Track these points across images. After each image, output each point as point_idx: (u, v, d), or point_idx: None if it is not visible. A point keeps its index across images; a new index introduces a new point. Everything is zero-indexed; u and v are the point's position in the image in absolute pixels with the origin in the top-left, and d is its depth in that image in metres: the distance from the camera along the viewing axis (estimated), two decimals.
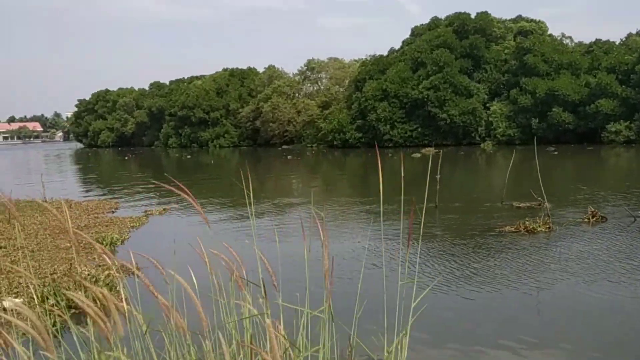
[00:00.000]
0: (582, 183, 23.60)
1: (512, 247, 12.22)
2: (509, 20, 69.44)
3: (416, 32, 71.58)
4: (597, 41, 63.77)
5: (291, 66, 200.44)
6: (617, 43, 63.36)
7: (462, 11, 68.72)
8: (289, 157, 56.25)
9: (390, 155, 54.57)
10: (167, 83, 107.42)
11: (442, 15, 76.94)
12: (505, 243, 12.65)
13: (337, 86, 79.67)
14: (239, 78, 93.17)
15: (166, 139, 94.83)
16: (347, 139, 68.32)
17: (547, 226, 14.01)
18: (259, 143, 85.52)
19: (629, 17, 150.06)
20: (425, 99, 63.20)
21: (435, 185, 18.18)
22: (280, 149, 75.53)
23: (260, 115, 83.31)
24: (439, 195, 18.09)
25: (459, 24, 66.78)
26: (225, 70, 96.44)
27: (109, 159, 73.21)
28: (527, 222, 14.03)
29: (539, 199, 17.86)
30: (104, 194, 25.43)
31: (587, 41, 66.15)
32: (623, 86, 54.01)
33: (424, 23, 72.43)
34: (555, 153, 46.47)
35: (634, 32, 65.18)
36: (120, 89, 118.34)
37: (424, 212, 10.40)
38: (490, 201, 19.49)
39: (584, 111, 55.77)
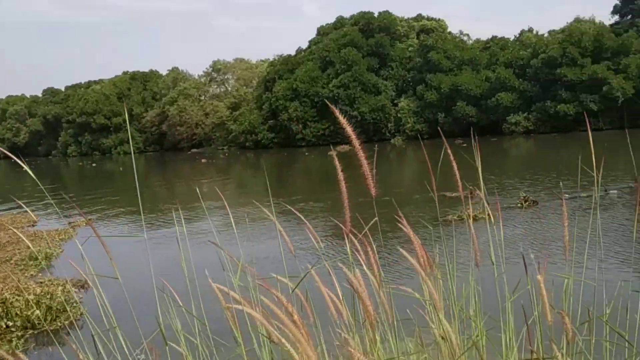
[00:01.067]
0: (491, 172, 24.64)
1: (466, 234, 12.31)
2: (411, 18, 71.55)
3: (322, 32, 72.12)
4: (494, 38, 67.14)
5: (196, 68, 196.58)
6: (511, 39, 66.98)
7: (366, 10, 70.03)
8: (202, 160, 54.78)
9: (306, 154, 54.59)
10: (63, 89, 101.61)
11: (337, 15, 77.82)
12: (460, 230, 12.73)
13: (246, 87, 78.76)
14: (141, 81, 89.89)
15: (65, 147, 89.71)
16: (259, 139, 67.69)
17: (487, 213, 14.27)
18: (166, 148, 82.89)
19: (521, 15, 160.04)
20: (335, 97, 63.76)
21: (379, 178, 18.11)
22: (189, 152, 73.56)
23: (166, 119, 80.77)
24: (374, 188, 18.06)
25: (364, 23, 68.00)
26: (126, 73, 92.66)
27: (2, 171, 68.08)
28: (469, 210, 14.21)
29: (471, 187, 18.29)
30: (13, 207, 23.39)
31: (484, 38, 69.44)
32: (520, 80, 57.12)
33: (329, 22, 73.16)
34: (464, 145, 48.30)
35: (526, 28, 69.21)
36: (9, 96, 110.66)
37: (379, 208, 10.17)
38: (420, 192, 19.73)
39: (485, 104, 58.46)
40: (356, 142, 2.18)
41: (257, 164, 50.89)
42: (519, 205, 15.55)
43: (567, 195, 16.70)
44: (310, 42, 73.35)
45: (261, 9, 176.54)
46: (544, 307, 2.42)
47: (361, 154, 2.14)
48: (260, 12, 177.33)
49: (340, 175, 2.41)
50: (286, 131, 66.64)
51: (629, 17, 59.38)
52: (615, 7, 62.07)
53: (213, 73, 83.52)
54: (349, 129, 2.19)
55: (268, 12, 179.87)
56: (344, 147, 55.37)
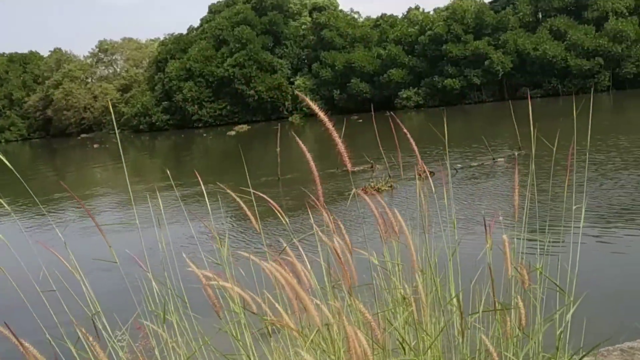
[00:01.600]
0: (388, 146, 25.79)
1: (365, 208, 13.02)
2: None
3: (214, 10, 70.82)
4: (383, 15, 69.10)
5: (81, 49, 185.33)
6: (400, 17, 69.28)
7: None
8: (94, 145, 52.49)
9: (204, 135, 53.86)
10: None
11: None
12: (362, 203, 13.42)
13: (136, 68, 75.91)
14: (20, 63, 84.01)
15: None
16: (153, 122, 65.82)
17: (389, 185, 15.16)
18: (52, 134, 78.40)
19: None
20: (231, 77, 63.19)
21: (276, 158, 18.52)
22: (79, 138, 70.09)
23: (51, 104, 76.26)
24: (279, 168, 18.50)
25: (257, 1, 67.52)
26: (2, 55, 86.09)
27: None
28: (372, 183, 15.02)
29: (371, 161, 19.20)
30: None
31: (374, 16, 71.29)
32: (409, 56, 59.43)
33: (221, 0, 71.85)
34: (360, 121, 49.73)
35: (413, 6, 71.81)
36: None
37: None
38: (325, 168, 20.40)
39: (378, 81, 60.36)
40: (323, 116, 2.38)
41: (153, 146, 49.59)
42: (418, 176, 16.55)
43: (459, 166, 18.00)
44: (202, 20, 71.82)
45: None
46: (507, 262, 2.80)
47: (331, 128, 2.36)
48: None
49: (308, 156, 2.67)
50: (182, 112, 65.26)
51: None
52: None
53: (100, 54, 79.72)
54: (314, 107, 2.38)
55: None
56: (242, 127, 55.35)
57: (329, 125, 2.30)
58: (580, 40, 52.70)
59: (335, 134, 2.33)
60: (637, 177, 14.04)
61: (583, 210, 2.94)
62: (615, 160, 16.42)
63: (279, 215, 3.08)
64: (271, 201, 2.99)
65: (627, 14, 53.80)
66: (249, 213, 3.10)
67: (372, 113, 17.39)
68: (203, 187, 3.24)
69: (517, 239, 3.02)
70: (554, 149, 3.31)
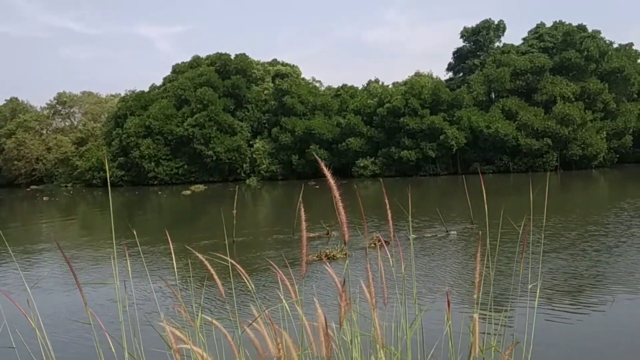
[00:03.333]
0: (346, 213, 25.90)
1: (319, 273, 12.91)
2: (267, 63, 73.56)
3: (178, 70, 71.50)
4: (344, 86, 71.12)
5: (39, 99, 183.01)
6: (360, 88, 71.46)
7: (222, 52, 70.76)
8: (44, 198, 50.94)
9: (159, 193, 53.09)
10: None
11: (193, 54, 77.30)
12: (313, 270, 13.31)
13: (94, 122, 75.17)
14: None
15: None
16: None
17: (344, 253, 15.12)
18: (0, 184, 75.90)
19: (368, 65, 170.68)
20: (190, 136, 63.20)
21: (232, 220, 18.33)
22: (28, 189, 68.02)
23: (1, 153, 74.26)
24: (234, 231, 18.28)
25: (221, 64, 68.63)
26: None
27: None
28: (327, 250, 14.96)
29: (327, 228, 19.21)
30: None
31: (335, 85, 73.26)
32: (368, 126, 60.89)
33: (185, 61, 72.78)
34: (317, 187, 50.08)
35: (373, 79, 74.33)
36: None
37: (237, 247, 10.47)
38: (280, 233, 20.27)
39: (337, 148, 61.36)
40: (330, 177, 2.37)
41: (105, 202, 48.47)
42: (372, 245, 16.61)
43: (414, 236, 18.16)
44: (165, 79, 72.29)
45: (111, 41, 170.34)
46: (475, 342, 2.74)
47: (334, 189, 2.35)
48: (110, 44, 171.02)
49: (303, 216, 2.64)
50: (138, 169, 64.49)
51: (461, 74, 66.32)
52: (449, 64, 69.02)
53: (58, 106, 78.80)
54: (323, 168, 2.38)
55: (118, 45, 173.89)
56: (199, 187, 54.90)
57: (336, 193, 2.33)
58: (530, 121, 55.21)
59: (340, 205, 2.35)
60: (582, 252, 14.45)
61: (538, 288, 2.99)
62: (564, 237, 16.90)
63: (242, 279, 3.01)
64: (240, 268, 2.93)
65: (573, 99, 56.90)
66: (218, 282, 3.03)
67: (331, 178, 17.50)
68: (172, 246, 3.16)
69: (474, 314, 3.01)
70: (500, 225, 3.38)
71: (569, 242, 16.23)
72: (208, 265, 2.96)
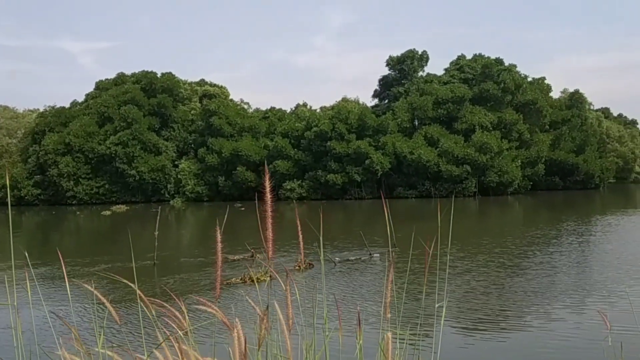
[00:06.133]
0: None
1: (240, 297, 12.82)
2: (195, 83, 72.85)
3: (101, 86, 69.50)
4: (272, 109, 71.43)
5: None
6: (288, 111, 72.00)
7: (149, 70, 69.50)
8: None
9: (77, 213, 51.00)
10: None
11: (118, 71, 75.45)
12: (235, 294, 13.21)
13: (9, 137, 71.49)
14: None
15: None
16: (22, 195, 61.54)
17: (269, 275, 15.09)
18: None
19: (297, 89, 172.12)
20: (113, 155, 61.33)
21: (154, 242, 17.91)
22: None
23: None
24: (155, 253, 17.87)
25: (147, 82, 67.31)
26: None
27: None
28: (251, 273, 14.87)
29: (252, 250, 19.12)
30: None
31: (263, 108, 73.46)
32: (295, 150, 61.32)
33: (109, 78, 70.88)
34: (243, 209, 49.74)
35: (301, 103, 75.13)
36: None
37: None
38: (203, 255, 19.97)
39: (264, 170, 61.20)
40: (269, 199, 2.36)
41: (19, 222, 46.02)
42: (297, 267, 16.67)
43: (338, 259, 18.40)
44: (87, 95, 70.02)
45: (31, 54, 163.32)
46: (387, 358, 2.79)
47: (269, 206, 2.35)
48: (30, 57, 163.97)
49: (218, 237, 2.66)
50: (55, 188, 61.81)
51: (386, 101, 68.21)
52: (375, 91, 70.87)
53: None
54: (267, 181, 2.33)
55: (38, 58, 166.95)
56: (120, 207, 53.20)
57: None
58: (451, 148, 57.38)
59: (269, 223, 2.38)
60: (497, 273, 15.13)
61: (444, 309, 3.15)
62: (478, 260, 17.61)
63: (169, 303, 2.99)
64: (141, 293, 2.92)
65: (490, 128, 59.72)
66: (112, 310, 3.00)
67: (249, 201, 17.50)
68: (64, 270, 3.10)
69: (387, 333, 3.13)
70: (410, 250, 3.55)
71: (481, 264, 16.96)
72: (99, 295, 2.94)
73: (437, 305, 3.23)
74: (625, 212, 37.44)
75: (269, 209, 2.39)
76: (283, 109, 72.43)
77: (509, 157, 59.16)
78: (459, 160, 57.31)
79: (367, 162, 57.65)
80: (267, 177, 2.33)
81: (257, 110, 73.54)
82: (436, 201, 53.64)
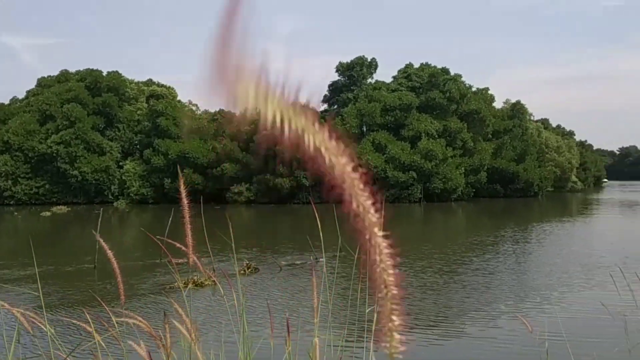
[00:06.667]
0: (217, 240, 25.85)
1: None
2: (142, 82, 71.44)
3: (44, 83, 67.27)
4: (221, 111, 70.79)
5: None
6: (237, 114, 71.38)
7: (94, 68, 67.75)
8: None
9: (14, 214, 49.20)
10: None
11: (61, 68, 73.03)
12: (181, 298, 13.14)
13: None
14: None
15: None
16: None
17: (212, 280, 15.05)
18: None
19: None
20: (54, 154, 59.47)
21: (94, 244, 17.53)
22: None
23: None
24: (96, 256, 17.52)
25: (91, 81, 65.57)
26: None
27: None
28: (195, 277, 14.79)
29: (198, 254, 18.98)
30: None
31: (212, 110, 72.70)
32: (244, 152, 61.01)
33: (52, 75, 68.69)
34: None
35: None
36: None
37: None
38: (147, 258, 19.69)
39: (211, 173, 60.76)
40: (185, 204, 2.39)
41: None
42: (242, 271, 16.69)
43: (284, 263, 18.52)
44: (28, 92, 67.63)
45: None
46: None
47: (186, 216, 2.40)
48: None
49: (101, 242, 2.72)
50: None
51: (335, 107, 68.76)
52: (324, 96, 71.35)
53: None
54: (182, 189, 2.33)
55: None
56: (61, 208, 51.64)
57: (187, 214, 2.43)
58: (398, 155, 58.41)
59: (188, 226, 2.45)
60: (434, 279, 15.58)
61: (375, 315, 3.30)
62: (416, 266, 18.07)
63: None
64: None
65: (436, 136, 61.12)
66: (24, 321, 3.04)
67: (196, 204, 17.40)
68: None
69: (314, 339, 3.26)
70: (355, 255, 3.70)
71: (419, 270, 17.41)
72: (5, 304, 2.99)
73: (367, 310, 3.39)
74: (561, 220, 39.06)
75: (186, 214, 2.49)
76: (232, 111, 71.69)
77: (453, 165, 60.68)
78: (405, 167, 58.38)
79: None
80: (181, 181, 2.40)
81: (205, 112, 72.73)
82: (384, 206, 54.42)
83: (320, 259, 19.47)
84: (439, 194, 59.71)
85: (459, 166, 61.46)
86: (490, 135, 68.97)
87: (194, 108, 73.24)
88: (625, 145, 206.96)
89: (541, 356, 5.66)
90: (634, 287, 6.37)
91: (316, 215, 3.30)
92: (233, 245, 3.66)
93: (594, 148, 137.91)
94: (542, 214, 49.45)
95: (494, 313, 12.29)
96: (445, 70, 67.32)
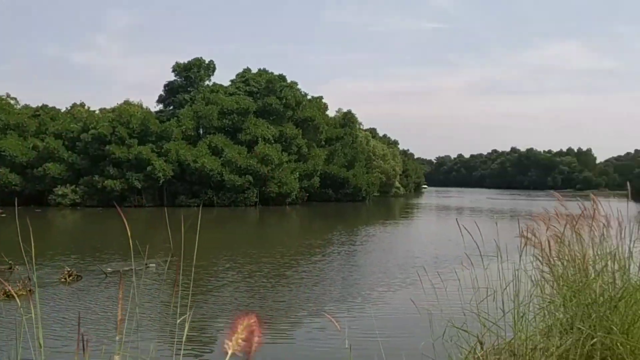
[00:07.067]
0: (39, 245, 24.08)
1: None
2: None
3: None
4: (44, 106, 65.52)
5: None
6: (63, 111, 66.67)
7: None
8: None
9: None
10: None
11: None
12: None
13: None
14: None
15: None
16: None
17: (29, 289, 14.07)
18: None
19: (75, 89, 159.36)
20: None
21: None
22: None
23: None
24: None
25: None
26: None
27: None
28: (7, 287, 13.72)
29: (10, 262, 17.56)
30: None
31: (33, 104, 66.99)
32: (70, 152, 57.02)
33: None
34: (4, 215, 44.86)
35: (78, 102, 70.12)
36: None
37: None
38: None
39: (31, 173, 55.92)
40: None
41: None
42: (63, 279, 15.81)
43: (109, 269, 17.81)
44: None
45: None
46: None
47: None
48: None
49: None
50: None
51: (171, 107, 67.09)
52: (160, 96, 69.27)
53: None
54: None
55: None
56: None
57: None
58: (234, 159, 58.57)
59: None
60: (262, 283, 16.07)
61: (187, 323, 3.48)
62: (244, 270, 18.46)
63: None
64: None
65: (272, 141, 62.33)
66: None
67: (13, 206, 16.15)
68: None
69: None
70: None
71: (246, 274, 17.80)
72: None
73: (178, 321, 3.49)
74: (384, 223, 42.06)
75: None
76: (57, 107, 66.85)
77: (289, 170, 62.31)
78: (241, 171, 58.70)
79: (148, 168, 56.00)
80: None
81: (25, 107, 66.78)
82: (218, 210, 54.29)
83: (150, 265, 19.00)
84: (274, 198, 60.91)
85: (293, 171, 63.24)
86: (323, 142, 71.91)
87: (12, 102, 66.86)
88: (441, 155, 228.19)
89: (353, 354, 6.22)
90: (437, 284, 7.21)
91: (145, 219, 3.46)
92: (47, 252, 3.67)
93: (415, 157, 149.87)
94: (368, 217, 52.77)
95: (314, 315, 12.91)
96: (282, 77, 68.95)
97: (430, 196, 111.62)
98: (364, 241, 29.47)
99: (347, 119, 79.24)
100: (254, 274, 17.86)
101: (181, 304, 3.74)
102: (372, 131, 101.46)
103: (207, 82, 68.14)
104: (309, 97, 72.45)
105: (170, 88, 67.70)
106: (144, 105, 67.52)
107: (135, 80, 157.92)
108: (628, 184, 8.02)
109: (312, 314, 12.93)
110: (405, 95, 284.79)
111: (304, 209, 60.17)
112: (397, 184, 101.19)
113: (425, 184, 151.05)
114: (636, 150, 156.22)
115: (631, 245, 5.53)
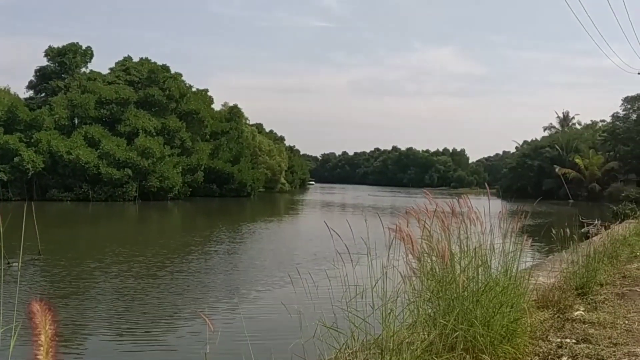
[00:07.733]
0: None
1: None
2: None
3: None
4: None
5: None
6: None
7: None
8: None
9: None
10: None
11: None
12: None
13: None
14: None
15: None
16: None
17: None
18: None
19: None
20: None
21: None
22: None
23: None
24: None
25: None
26: None
27: None
28: None
29: None
30: None
31: None
32: None
33: None
34: None
35: None
36: None
37: None
38: None
39: None
40: None
41: None
42: None
43: None
44: None
45: None
46: None
47: None
48: None
49: None
50: None
51: (43, 94, 62.47)
52: (30, 82, 64.25)
53: None
54: None
55: None
56: None
57: None
58: (112, 151, 55.77)
59: None
60: (133, 285, 15.39)
61: (15, 335, 3.11)
62: (112, 270, 17.60)
63: None
64: None
65: (154, 133, 60.09)
66: None
67: None
68: None
69: None
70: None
71: (115, 274, 16.95)
72: None
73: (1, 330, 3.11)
74: (269, 220, 42.03)
75: None
76: None
77: (171, 164, 60.40)
78: (120, 164, 56.04)
79: (16, 159, 51.83)
80: None
81: None
82: (94, 205, 51.49)
83: (14, 263, 17.49)
84: (155, 193, 58.80)
85: (176, 165, 61.42)
86: (208, 136, 70.53)
87: None
88: (327, 152, 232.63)
89: (224, 357, 6.02)
90: (311, 284, 7.16)
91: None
92: None
93: (301, 153, 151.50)
94: (253, 213, 52.50)
95: (186, 316, 12.49)
96: (165, 68, 66.69)
97: (315, 192, 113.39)
98: (245, 238, 29.18)
99: (233, 113, 78.33)
100: (122, 274, 16.99)
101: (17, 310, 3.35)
102: (259, 126, 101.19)
103: (83, 69, 64.24)
104: (194, 89, 70.73)
105: (42, 74, 63.00)
106: (12, 92, 62.55)
107: (2, 63, 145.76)
108: (486, 184, 8.95)
109: (183, 317, 12.48)
110: (292, 92, 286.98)
111: (186, 205, 58.67)
112: (282, 179, 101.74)
113: (312, 180, 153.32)
114: (504, 152, 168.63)
115: (493, 241, 5.82)
